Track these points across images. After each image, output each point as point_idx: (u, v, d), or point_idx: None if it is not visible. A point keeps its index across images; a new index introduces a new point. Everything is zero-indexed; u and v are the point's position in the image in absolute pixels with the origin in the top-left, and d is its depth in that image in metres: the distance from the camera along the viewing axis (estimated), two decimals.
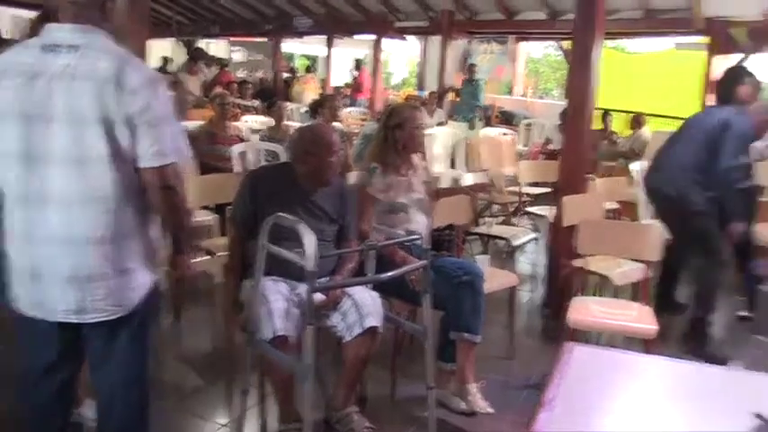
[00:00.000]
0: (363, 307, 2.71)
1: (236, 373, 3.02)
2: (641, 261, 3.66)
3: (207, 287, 3.80)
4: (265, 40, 14.57)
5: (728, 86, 4.80)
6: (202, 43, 14.00)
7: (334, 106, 6.16)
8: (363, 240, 2.88)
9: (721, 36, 8.37)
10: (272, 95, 9.70)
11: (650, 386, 1.83)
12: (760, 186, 5.02)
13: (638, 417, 1.64)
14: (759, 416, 1.53)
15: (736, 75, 4.89)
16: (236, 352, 3.08)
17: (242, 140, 5.55)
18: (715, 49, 8.57)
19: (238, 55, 17.18)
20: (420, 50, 12.95)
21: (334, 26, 12.47)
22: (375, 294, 2.82)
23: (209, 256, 3.76)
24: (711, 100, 8.54)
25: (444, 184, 5.34)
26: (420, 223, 3.22)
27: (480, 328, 3.06)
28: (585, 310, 3.31)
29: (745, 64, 7.97)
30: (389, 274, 2.45)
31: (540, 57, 14.58)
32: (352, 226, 3.02)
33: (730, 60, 8.60)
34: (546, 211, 5.35)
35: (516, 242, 4.68)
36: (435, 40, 11.78)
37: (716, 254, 3.91)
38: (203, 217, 4.31)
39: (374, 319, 2.70)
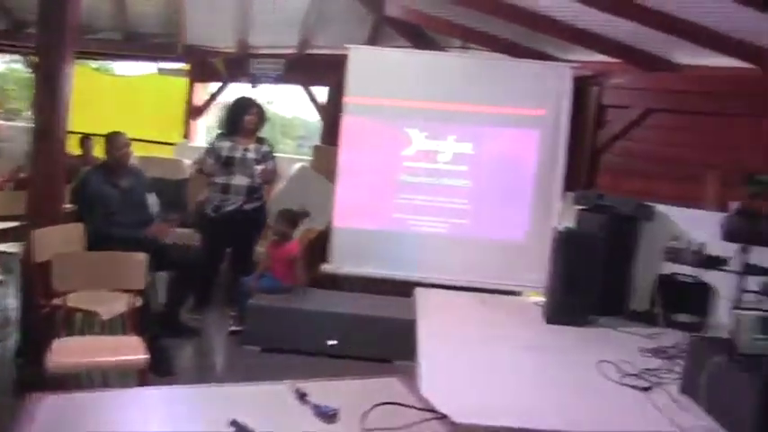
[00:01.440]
0: None
1: None
2: (127, 291, 3.69)
3: None
4: None
5: (235, 116, 5.34)
6: None
7: None
8: None
9: (201, 64, 8.99)
10: None
11: (128, 421, 1.83)
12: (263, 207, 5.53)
13: None
14: (234, 422, 1.69)
15: (243, 105, 5.43)
16: None
17: None
18: (196, 75, 9.17)
19: None
20: None
21: None
22: None
23: None
24: (194, 126, 9.17)
25: None
26: None
27: None
28: (68, 351, 3.22)
29: (227, 91, 8.75)
30: None
31: (5, 71, 13.36)
32: None
33: (210, 88, 9.33)
34: (17, 247, 5.04)
35: None
36: None
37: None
38: None
39: None
